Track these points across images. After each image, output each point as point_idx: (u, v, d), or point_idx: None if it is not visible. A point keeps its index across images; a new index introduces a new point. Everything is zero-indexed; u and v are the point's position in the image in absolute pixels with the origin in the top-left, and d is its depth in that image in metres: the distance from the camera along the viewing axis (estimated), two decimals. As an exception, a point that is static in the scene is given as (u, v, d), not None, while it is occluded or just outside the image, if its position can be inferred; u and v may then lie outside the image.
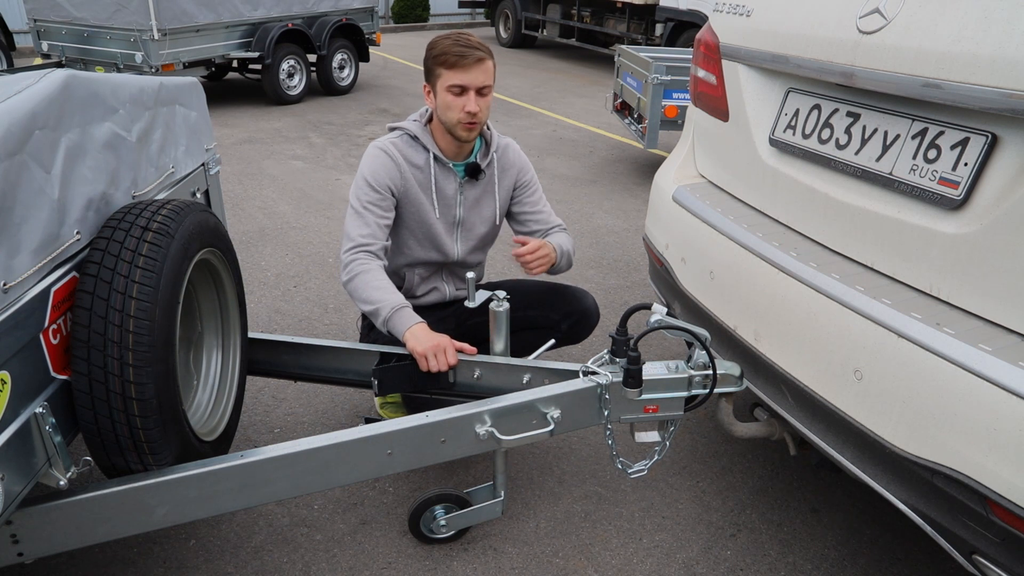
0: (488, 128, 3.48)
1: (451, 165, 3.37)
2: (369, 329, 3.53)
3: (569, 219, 7.26)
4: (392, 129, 3.42)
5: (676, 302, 3.44)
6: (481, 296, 3.09)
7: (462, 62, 3.12)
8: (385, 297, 3.06)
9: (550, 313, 3.53)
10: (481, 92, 3.19)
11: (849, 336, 2.43)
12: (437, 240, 3.43)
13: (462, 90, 3.17)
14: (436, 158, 3.34)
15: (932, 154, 2.36)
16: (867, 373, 2.36)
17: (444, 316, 3.58)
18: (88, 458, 2.41)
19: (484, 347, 3.22)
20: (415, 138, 3.35)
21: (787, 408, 2.75)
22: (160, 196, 3.10)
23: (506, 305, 3.01)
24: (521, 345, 3.51)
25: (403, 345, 3.02)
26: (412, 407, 3.37)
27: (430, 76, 3.24)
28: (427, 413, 2.71)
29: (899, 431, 2.26)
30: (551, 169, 8.79)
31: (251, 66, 12.19)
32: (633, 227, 7.12)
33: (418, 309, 3.48)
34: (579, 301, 3.57)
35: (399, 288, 3.49)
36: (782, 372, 2.72)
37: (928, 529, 2.26)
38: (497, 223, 3.55)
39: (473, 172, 3.40)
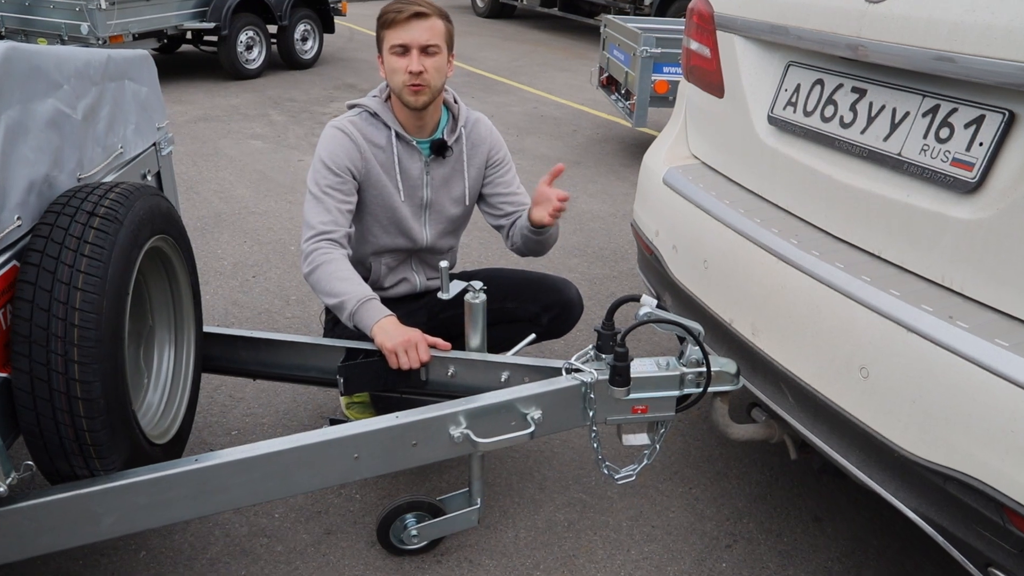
0: (456, 102, 3.47)
1: (415, 143, 3.36)
2: (334, 323, 3.52)
3: None
4: (351, 107, 3.41)
5: (667, 293, 3.45)
6: (455, 287, 3.08)
7: (399, 18, 3.12)
8: (350, 289, 3.05)
9: (530, 305, 3.53)
10: (427, 51, 3.18)
11: (854, 330, 2.42)
12: (403, 225, 3.42)
13: (404, 49, 3.16)
14: (398, 136, 3.33)
15: (944, 133, 2.36)
16: (874, 370, 2.36)
17: (415, 309, 3.57)
18: (30, 463, 2.38)
19: (459, 342, 3.20)
20: (375, 115, 3.34)
21: (787, 408, 2.75)
22: (108, 179, 3.07)
23: (483, 297, 2.99)
24: (499, 340, 3.50)
25: (371, 340, 3.01)
26: (381, 407, 3.35)
27: (379, 45, 3.25)
28: (397, 414, 2.70)
29: (908, 433, 2.26)
30: (531, 149, 8.79)
31: (206, 38, 12.10)
32: (620, 212, 7.13)
33: (387, 302, 3.45)
34: (561, 292, 3.57)
35: (365, 279, 3.48)
36: (782, 369, 2.71)
37: (940, 539, 2.26)
38: (468, 204, 3.55)
39: (439, 149, 3.39)
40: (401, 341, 2.94)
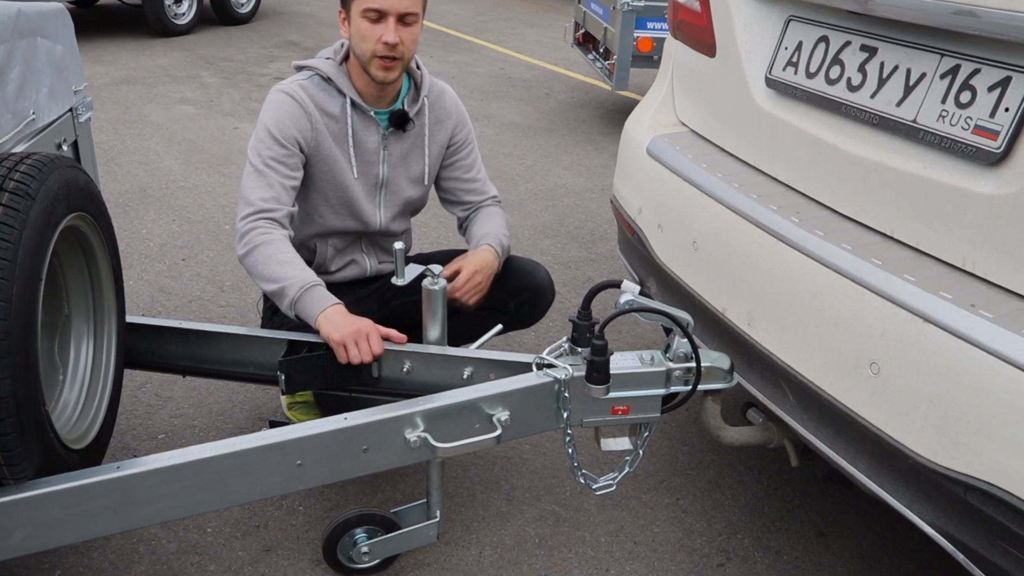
0: (418, 68, 3.45)
1: (372, 113, 3.34)
2: (273, 312, 3.50)
3: (520, 177, 7.30)
4: (300, 69, 3.38)
5: (651, 279, 3.46)
6: (411, 271, 3.06)
7: None
8: (291, 273, 3.03)
9: (495, 290, 3.52)
10: (404, 21, 3.16)
11: (864, 320, 2.42)
12: (355, 206, 3.41)
13: (379, 15, 3.13)
14: (354, 104, 3.31)
15: (965, 97, 2.35)
16: (885, 366, 2.35)
17: (365, 295, 3.57)
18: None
19: (415, 334, 3.19)
20: (328, 80, 3.31)
21: (788, 409, 2.75)
22: (18, 149, 3.05)
23: (442, 283, 2.99)
24: (461, 330, 3.49)
25: (316, 332, 2.99)
26: (327, 408, 3.35)
27: (347, 2, 3.21)
28: (346, 415, 2.70)
29: (925, 437, 2.25)
30: (498, 116, 8.81)
31: (129, -12, 12.06)
32: (598, 187, 7.16)
33: (333, 287, 3.42)
34: (530, 275, 3.58)
35: (309, 263, 3.43)
36: (781, 365, 2.71)
37: (960, 557, 2.26)
38: (427, 184, 3.57)
39: (399, 121, 3.38)
40: (350, 332, 2.92)
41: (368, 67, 3.20)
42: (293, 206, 3.22)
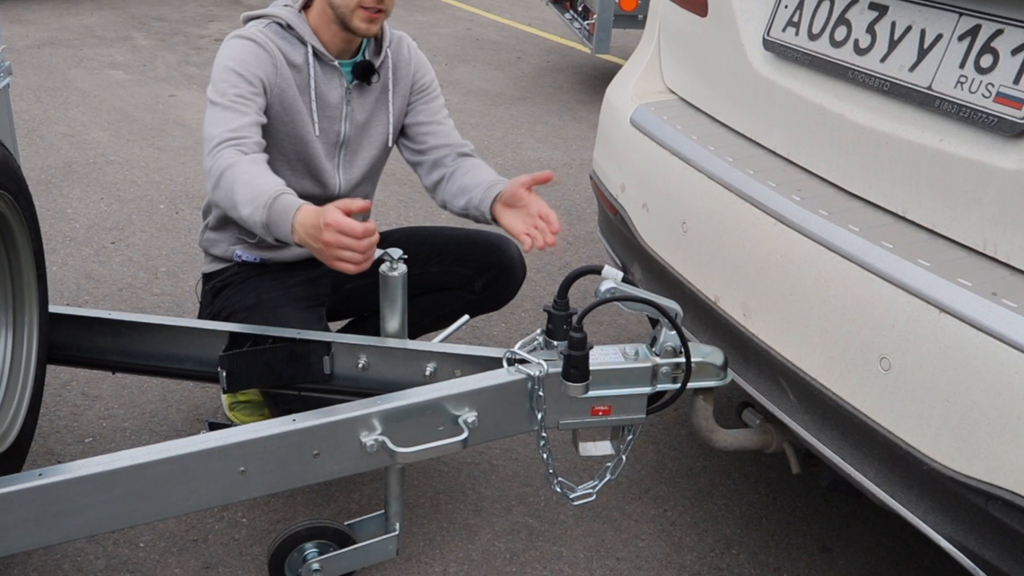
0: None
1: (336, 64, 3.35)
2: (213, 295, 3.51)
3: (489, 150, 7.30)
4: (252, 19, 3.37)
5: (635, 264, 3.47)
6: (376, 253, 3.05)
7: None
8: (253, 193, 2.92)
9: (459, 268, 3.56)
10: None
11: (873, 311, 2.41)
12: (314, 165, 3.41)
13: None
14: (317, 54, 3.32)
15: (986, 61, 2.34)
16: (897, 361, 2.35)
17: (316, 276, 3.57)
18: None
19: (372, 323, 3.19)
20: (288, 28, 3.31)
21: (788, 409, 2.76)
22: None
23: (402, 268, 2.98)
24: (422, 314, 3.52)
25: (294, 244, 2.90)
26: (274, 408, 3.34)
27: None
28: (294, 416, 2.67)
29: (941, 441, 2.25)
30: (464, 82, 8.80)
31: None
32: (576, 161, 7.18)
33: (281, 267, 3.48)
34: (498, 251, 3.60)
35: (254, 237, 3.47)
36: (781, 360, 2.71)
37: (980, 575, 2.26)
38: (389, 145, 3.60)
39: (365, 73, 3.40)
40: (322, 241, 2.75)
41: (349, 19, 3.20)
42: (263, 140, 3.18)
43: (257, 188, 2.92)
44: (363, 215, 2.97)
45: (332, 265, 2.77)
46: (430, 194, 3.61)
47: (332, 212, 2.71)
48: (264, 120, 3.22)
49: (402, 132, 3.63)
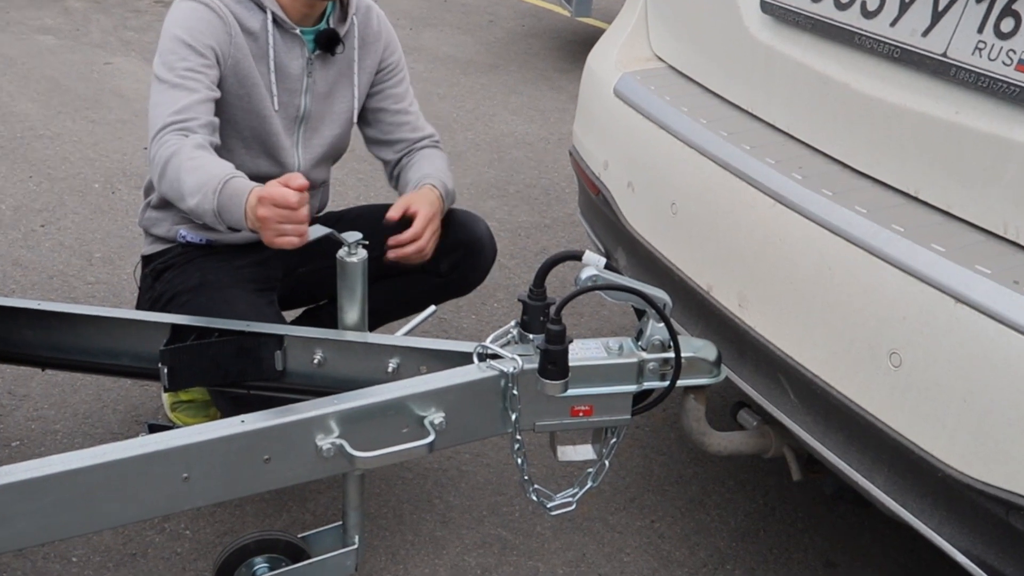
0: None
1: (297, 31, 3.35)
2: (154, 279, 3.50)
3: (458, 124, 7.31)
4: None
5: (620, 249, 3.48)
6: (314, 231, 3.04)
7: None
8: (201, 180, 2.94)
9: None
10: None
11: (882, 301, 2.41)
12: (272, 142, 3.41)
13: None
14: (276, 21, 3.31)
15: (1007, 25, 2.34)
16: (908, 357, 2.34)
17: (266, 259, 3.55)
18: None
19: (328, 311, 3.18)
20: None
21: (788, 410, 2.76)
22: None
23: (363, 254, 2.97)
24: (383, 300, 3.51)
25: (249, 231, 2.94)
26: (222, 408, 3.35)
27: None
28: (243, 417, 2.65)
29: (957, 444, 2.25)
30: (431, 48, 8.81)
31: None
32: (555, 136, 7.20)
33: (229, 250, 3.48)
34: (466, 228, 3.61)
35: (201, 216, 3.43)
36: (780, 355, 2.71)
37: (1000, 592, 2.28)
38: (354, 120, 3.60)
39: (329, 42, 3.39)
40: (259, 214, 2.80)
41: None
42: (213, 118, 3.18)
43: (205, 173, 2.94)
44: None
45: (273, 243, 2.83)
46: (389, 181, 3.69)
47: (267, 186, 2.78)
48: (216, 94, 3.21)
49: (368, 117, 3.64)
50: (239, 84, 3.29)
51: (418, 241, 3.28)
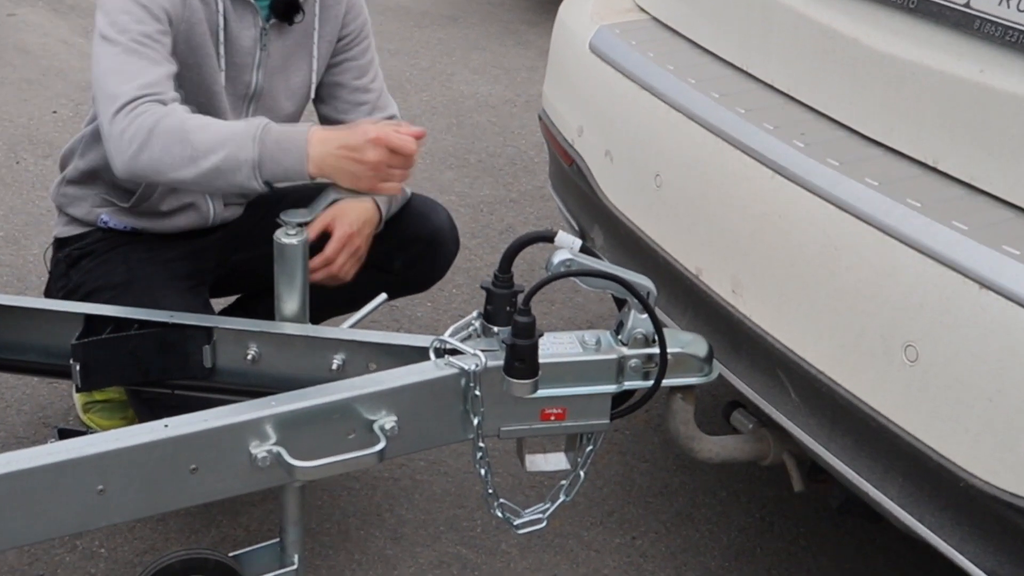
0: None
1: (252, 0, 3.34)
2: (69, 266, 3.49)
3: (412, 84, 7.33)
4: None
5: (596, 227, 3.49)
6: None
7: None
8: (226, 130, 2.99)
9: (377, 242, 3.54)
10: None
11: (896, 286, 2.41)
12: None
13: None
14: None
15: (1038, -30, 2.35)
16: (926, 350, 2.33)
17: (201, 248, 3.56)
18: None
19: (266, 303, 3.16)
20: None
21: (789, 411, 2.76)
22: None
23: (303, 235, 2.97)
24: (329, 298, 3.48)
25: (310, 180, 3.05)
26: (142, 410, 3.33)
27: None
28: (167, 421, 2.63)
29: (981, 450, 2.24)
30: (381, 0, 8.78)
31: None
32: (521, 98, 7.24)
33: (154, 239, 3.46)
34: (425, 219, 3.63)
35: (126, 200, 3.45)
36: (780, 349, 2.71)
37: (1030, 619, 2.28)
38: (310, 97, 3.60)
39: (286, 10, 3.38)
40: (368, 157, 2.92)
41: None
42: (178, 92, 3.17)
43: (227, 128, 2.99)
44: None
45: (374, 189, 3.01)
46: None
47: (382, 128, 2.95)
48: (176, 68, 3.20)
49: (325, 92, 3.65)
50: (190, 54, 3.28)
51: (330, 267, 3.31)
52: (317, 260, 3.25)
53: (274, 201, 3.47)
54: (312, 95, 3.60)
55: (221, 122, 3.02)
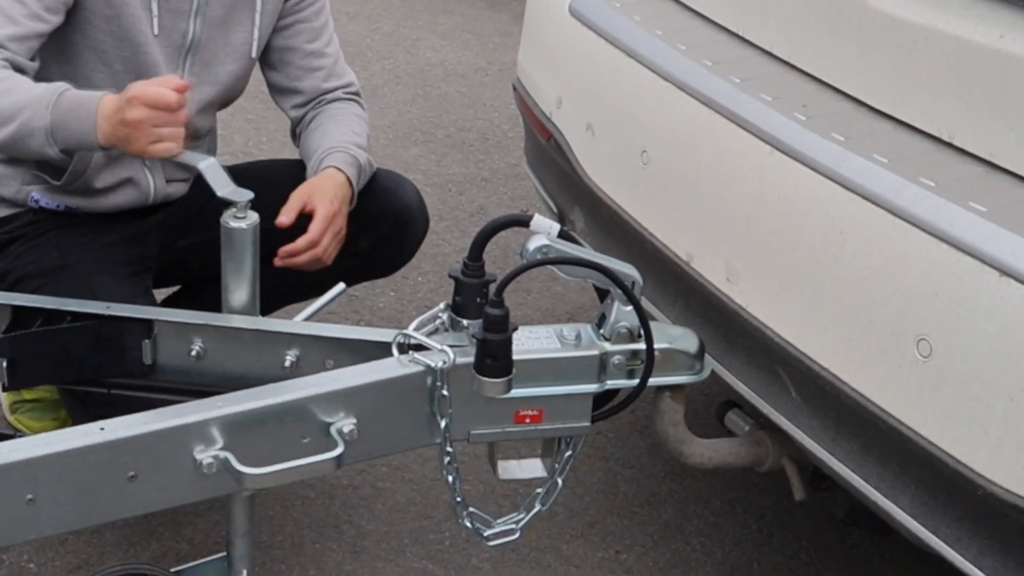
0: None
1: None
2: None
3: (373, 51, 7.36)
4: None
5: (576, 209, 3.50)
6: (197, 157, 3.03)
7: None
8: (25, 97, 2.97)
9: None
10: None
11: (907, 273, 2.41)
12: (149, 76, 3.30)
13: None
14: None
15: (1065, -75, 2.35)
16: (941, 344, 2.34)
17: (141, 231, 3.55)
18: None
19: (210, 292, 3.16)
20: None
21: (789, 412, 2.77)
22: None
23: (253, 217, 2.94)
24: (278, 281, 3.46)
25: (99, 147, 3.04)
26: (76, 411, 3.33)
27: None
28: (103, 423, 2.60)
29: (1003, 455, 2.24)
30: (339, -42, 8.79)
31: None
32: (494, 66, 7.28)
33: (91, 220, 3.45)
34: (391, 195, 3.63)
35: (58, 176, 3.43)
36: (779, 343, 2.72)
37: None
38: (253, 56, 3.57)
39: None
40: (130, 117, 2.87)
41: None
42: (32, 59, 3.16)
43: (28, 94, 2.97)
44: None
45: (149, 152, 2.92)
46: (293, 140, 3.71)
47: (138, 84, 2.87)
48: (49, 22, 3.17)
49: (272, 56, 3.64)
50: (107, 2, 3.26)
51: (315, 249, 3.28)
52: (301, 242, 3.24)
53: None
54: (255, 55, 3.58)
55: (28, 87, 3.00)
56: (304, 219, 3.31)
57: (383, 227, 3.58)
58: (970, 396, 2.28)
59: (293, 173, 3.58)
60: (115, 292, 3.20)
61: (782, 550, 3.67)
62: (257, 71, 3.66)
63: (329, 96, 3.65)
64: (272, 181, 3.47)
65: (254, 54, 3.55)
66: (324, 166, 3.42)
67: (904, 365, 2.41)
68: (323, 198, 3.31)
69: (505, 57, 7.26)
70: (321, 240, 3.27)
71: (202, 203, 3.46)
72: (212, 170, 3.03)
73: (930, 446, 2.36)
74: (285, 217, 3.25)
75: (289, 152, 3.65)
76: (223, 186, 2.98)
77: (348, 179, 3.41)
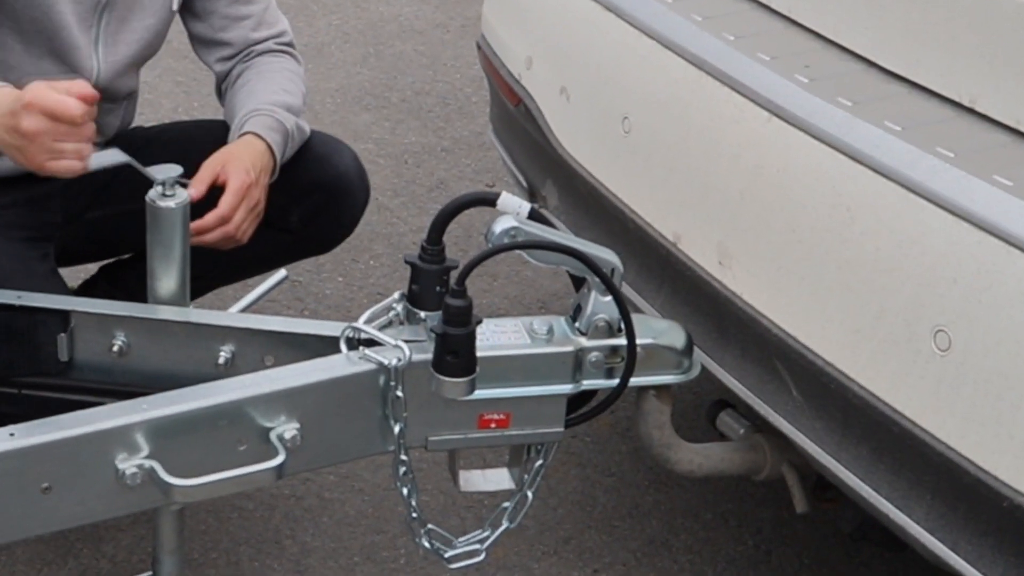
0: None
1: None
2: None
3: (318, 4, 7.37)
4: None
5: (549, 183, 3.51)
6: (104, 159, 3.01)
7: None
8: None
9: (268, 195, 3.52)
10: None
11: (923, 256, 2.42)
12: (61, 38, 3.38)
13: None
14: None
15: None
16: (960, 336, 2.34)
17: (41, 196, 3.55)
18: None
19: (134, 275, 3.15)
20: None
21: (790, 413, 2.77)
22: None
23: (183, 196, 2.94)
24: (208, 264, 3.44)
25: None
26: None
27: None
28: (12, 429, 2.60)
29: None
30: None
31: None
32: (455, 22, 7.30)
33: None
34: (325, 162, 3.63)
35: None
36: (778, 335, 2.72)
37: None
38: (174, 8, 3.56)
39: None
40: (24, 126, 2.81)
41: None
42: None
43: None
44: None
45: (47, 169, 2.85)
46: (219, 97, 3.71)
47: (37, 88, 2.77)
48: None
49: (195, 4, 3.63)
50: None
51: (226, 225, 3.26)
52: (210, 218, 3.21)
53: (141, 144, 3.48)
54: (176, 6, 3.55)
55: None
56: (219, 192, 3.29)
57: (316, 198, 3.59)
58: (993, 395, 2.28)
59: (218, 137, 3.57)
60: (8, 258, 3.22)
61: (782, 568, 3.68)
62: (178, 22, 3.64)
63: (259, 48, 3.65)
64: (193, 145, 3.48)
65: (175, 6, 3.54)
66: (243, 132, 3.41)
67: (919, 360, 2.41)
68: (238, 168, 3.29)
69: (468, 11, 7.26)
70: (233, 216, 3.26)
71: (112, 171, 3.44)
72: (105, 157, 3.03)
73: (948, 451, 2.36)
74: (195, 189, 3.20)
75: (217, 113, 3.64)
76: (153, 171, 2.99)
77: (269, 146, 3.40)
